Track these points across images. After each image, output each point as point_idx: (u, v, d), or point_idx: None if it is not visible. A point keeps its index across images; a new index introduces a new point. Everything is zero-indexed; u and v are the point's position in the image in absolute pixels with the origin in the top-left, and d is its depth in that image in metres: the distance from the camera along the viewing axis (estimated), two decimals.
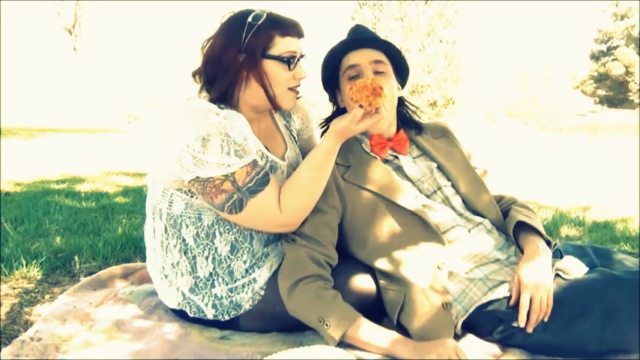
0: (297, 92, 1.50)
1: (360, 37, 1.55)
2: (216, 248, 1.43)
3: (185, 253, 1.43)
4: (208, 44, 1.42)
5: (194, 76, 1.47)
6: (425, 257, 1.38)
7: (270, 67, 1.40)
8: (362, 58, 1.52)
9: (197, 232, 1.42)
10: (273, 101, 1.43)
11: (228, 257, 1.44)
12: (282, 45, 1.40)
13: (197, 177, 1.31)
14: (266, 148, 1.49)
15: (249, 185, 1.33)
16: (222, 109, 1.37)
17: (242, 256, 1.45)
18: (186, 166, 1.30)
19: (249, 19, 1.38)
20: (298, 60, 1.44)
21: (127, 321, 1.50)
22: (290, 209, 1.36)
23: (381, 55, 1.54)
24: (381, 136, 1.55)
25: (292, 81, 1.45)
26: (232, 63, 1.38)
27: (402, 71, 1.62)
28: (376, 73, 1.51)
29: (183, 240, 1.43)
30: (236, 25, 1.39)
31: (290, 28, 1.41)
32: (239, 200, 1.33)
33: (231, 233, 1.43)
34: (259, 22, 1.37)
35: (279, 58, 1.40)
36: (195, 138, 1.28)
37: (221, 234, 1.43)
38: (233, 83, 1.40)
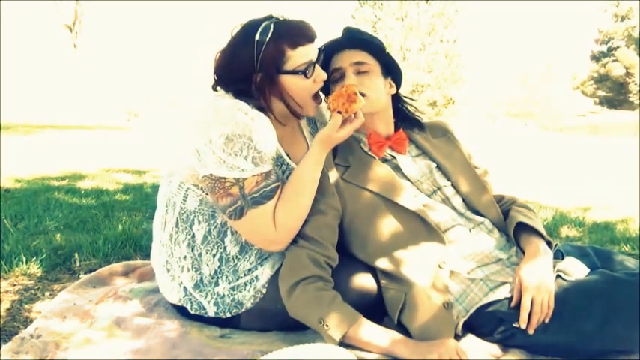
0: (320, 99, 1.49)
1: (341, 40, 1.53)
2: (225, 247, 1.43)
3: (193, 249, 1.44)
4: (220, 60, 1.41)
5: (215, 88, 1.45)
6: (426, 256, 1.38)
7: (289, 81, 1.38)
8: (343, 60, 1.51)
9: (209, 229, 1.42)
10: (296, 113, 1.43)
11: (236, 257, 1.44)
12: (295, 58, 1.37)
13: (211, 174, 1.31)
14: (287, 154, 1.48)
15: (254, 196, 1.33)
16: (250, 107, 1.36)
17: (250, 257, 1.46)
18: (204, 161, 1.30)
19: (257, 37, 1.34)
20: (314, 64, 1.41)
21: (127, 318, 1.50)
22: (283, 223, 1.35)
23: (364, 55, 1.52)
24: (379, 135, 1.54)
25: (314, 86, 1.43)
26: (249, 83, 1.37)
27: (391, 68, 1.60)
28: (358, 73, 1.49)
29: (193, 236, 1.43)
30: (245, 43, 1.36)
31: (300, 38, 1.38)
32: (240, 208, 1.33)
33: None
34: (267, 39, 1.34)
35: (294, 72, 1.38)
36: (219, 135, 1.28)
37: (232, 234, 1.43)
38: (257, 99, 1.39)
